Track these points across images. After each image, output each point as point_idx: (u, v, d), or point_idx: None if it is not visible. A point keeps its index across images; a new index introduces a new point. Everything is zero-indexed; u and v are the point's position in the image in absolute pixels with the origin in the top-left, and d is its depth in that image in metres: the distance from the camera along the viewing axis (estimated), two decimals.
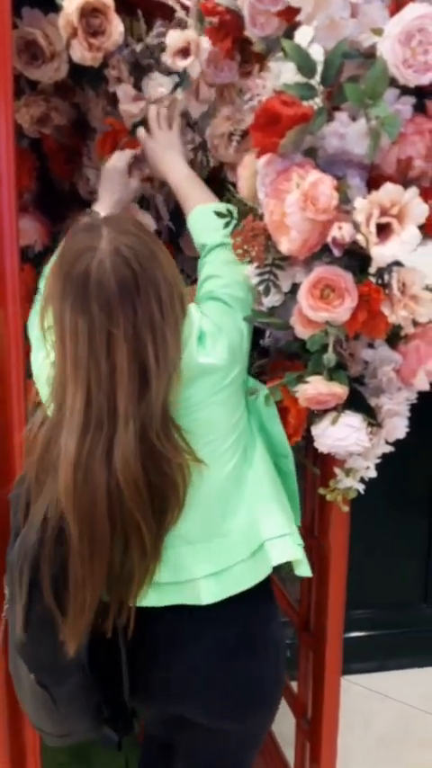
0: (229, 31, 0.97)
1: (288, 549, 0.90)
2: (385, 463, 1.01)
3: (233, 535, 0.91)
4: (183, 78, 1.07)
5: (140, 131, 1.11)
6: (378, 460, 1.00)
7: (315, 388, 0.91)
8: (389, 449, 0.99)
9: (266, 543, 0.90)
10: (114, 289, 0.76)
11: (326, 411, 0.95)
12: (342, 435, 0.93)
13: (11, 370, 1.01)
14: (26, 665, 0.87)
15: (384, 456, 0.99)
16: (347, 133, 0.82)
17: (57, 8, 1.00)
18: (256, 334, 1.02)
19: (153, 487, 0.81)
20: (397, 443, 0.99)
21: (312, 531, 1.25)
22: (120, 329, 0.77)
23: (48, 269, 0.85)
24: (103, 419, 0.78)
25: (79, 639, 0.82)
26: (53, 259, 0.83)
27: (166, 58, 1.00)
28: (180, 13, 1.04)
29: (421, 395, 0.98)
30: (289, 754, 1.49)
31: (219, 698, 0.93)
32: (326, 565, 1.15)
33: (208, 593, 0.89)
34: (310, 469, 1.14)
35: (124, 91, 1.06)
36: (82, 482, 0.78)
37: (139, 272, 0.78)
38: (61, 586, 0.81)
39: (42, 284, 0.87)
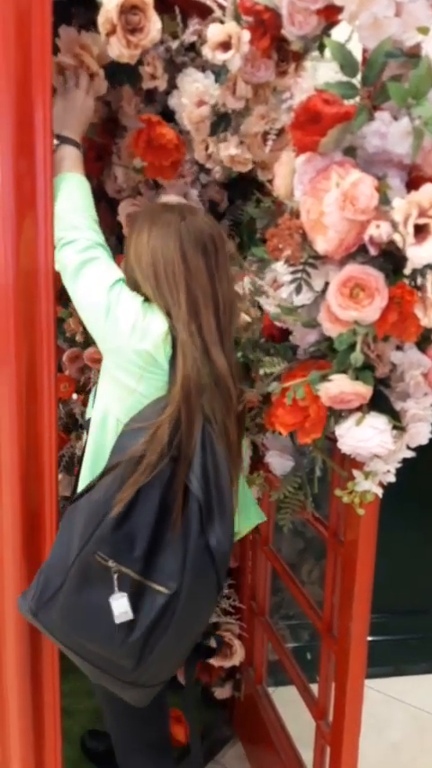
0: (267, 29, 0.96)
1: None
2: (405, 468, 1.00)
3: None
4: (220, 73, 1.06)
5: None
6: (398, 465, 1.00)
7: (338, 387, 0.90)
8: (410, 454, 0.98)
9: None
10: (220, 239, 1.05)
11: (350, 412, 0.94)
12: (366, 437, 0.92)
13: (43, 367, 1.01)
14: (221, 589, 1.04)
15: (405, 461, 0.98)
16: (389, 132, 0.81)
17: (93, 24, 0.99)
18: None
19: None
20: (418, 448, 0.98)
21: (337, 534, 1.24)
22: (224, 268, 1.04)
23: (140, 239, 1.03)
24: (223, 335, 1.03)
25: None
26: (139, 232, 1.04)
27: (207, 52, 0.99)
28: (217, 12, 1.04)
29: None
30: (305, 756, 1.48)
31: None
32: (352, 568, 1.15)
33: None
34: (338, 472, 1.13)
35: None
36: (227, 383, 1.03)
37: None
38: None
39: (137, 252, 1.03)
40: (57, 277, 1.03)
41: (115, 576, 0.93)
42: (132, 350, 0.99)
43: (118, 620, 0.93)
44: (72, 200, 1.04)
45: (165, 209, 1.06)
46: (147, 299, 1.02)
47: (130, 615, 0.93)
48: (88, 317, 1.02)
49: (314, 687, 1.41)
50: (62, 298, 1.44)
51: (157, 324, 0.99)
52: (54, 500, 1.07)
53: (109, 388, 1.06)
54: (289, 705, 1.67)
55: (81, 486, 1.08)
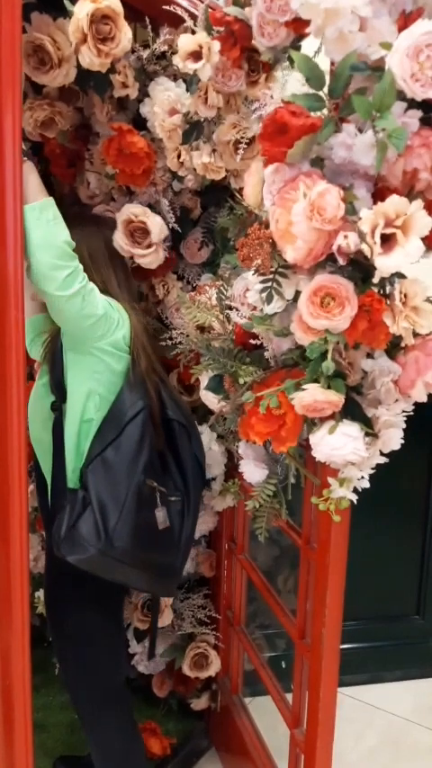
0: (237, 40, 0.97)
1: None
2: (379, 475, 1.01)
3: None
4: (191, 82, 1.07)
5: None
6: (372, 471, 1.00)
7: (311, 396, 0.90)
8: (383, 460, 0.99)
9: None
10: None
11: (323, 419, 0.95)
12: (339, 444, 0.93)
13: (11, 378, 1.00)
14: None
15: (378, 468, 0.99)
16: (355, 144, 0.82)
17: (66, 13, 0.99)
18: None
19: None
20: (391, 455, 0.99)
21: (310, 540, 1.25)
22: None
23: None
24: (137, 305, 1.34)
25: None
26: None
27: (178, 62, 1.00)
28: (188, 22, 1.04)
29: (416, 408, 0.98)
30: (282, 767, 1.47)
31: None
32: (324, 574, 1.15)
33: None
34: (310, 479, 1.13)
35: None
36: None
37: None
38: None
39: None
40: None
41: (158, 495, 1.22)
42: (122, 336, 1.23)
43: (161, 527, 1.23)
44: (61, 229, 1.09)
45: (78, 219, 1.24)
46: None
47: (167, 522, 1.24)
48: (86, 323, 1.19)
49: (290, 697, 1.40)
50: None
51: (123, 311, 1.25)
52: (24, 512, 1.05)
53: (90, 372, 1.24)
54: (266, 715, 1.66)
55: (70, 460, 1.26)
